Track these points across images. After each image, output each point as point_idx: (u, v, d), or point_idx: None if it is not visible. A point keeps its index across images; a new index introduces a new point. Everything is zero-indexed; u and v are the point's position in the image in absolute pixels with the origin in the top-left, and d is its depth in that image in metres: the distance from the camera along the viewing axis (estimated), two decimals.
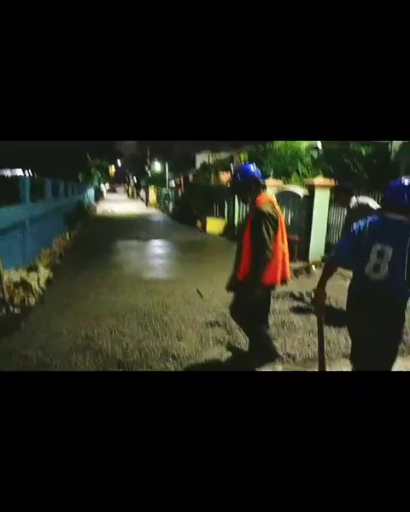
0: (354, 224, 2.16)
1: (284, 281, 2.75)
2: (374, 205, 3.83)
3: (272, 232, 2.54)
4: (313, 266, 6.35)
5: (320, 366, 2.63)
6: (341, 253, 2.17)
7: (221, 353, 3.14)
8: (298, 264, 6.30)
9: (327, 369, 2.80)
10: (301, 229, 7.04)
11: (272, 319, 3.65)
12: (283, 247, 2.70)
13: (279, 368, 2.94)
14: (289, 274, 2.78)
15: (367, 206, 3.81)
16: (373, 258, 1.95)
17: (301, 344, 3.32)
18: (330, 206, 6.79)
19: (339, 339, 3.40)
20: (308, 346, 3.29)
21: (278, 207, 2.69)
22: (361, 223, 2.10)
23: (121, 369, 2.86)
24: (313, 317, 3.91)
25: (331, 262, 2.26)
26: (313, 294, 2.38)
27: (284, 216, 3.01)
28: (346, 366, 2.90)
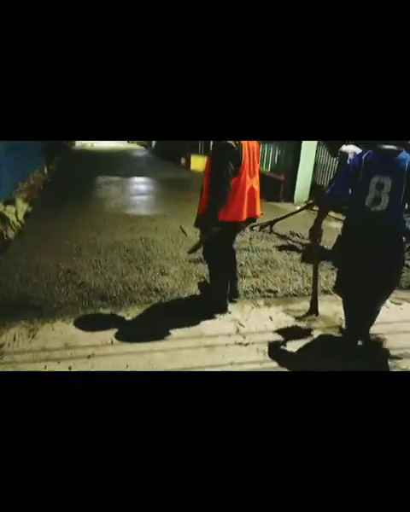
0: (348, 160, 2.17)
1: (252, 219, 2.62)
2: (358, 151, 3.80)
3: (231, 166, 2.32)
4: (297, 207, 6.32)
5: (313, 302, 2.75)
6: (337, 190, 2.19)
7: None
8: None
9: (308, 303, 2.89)
10: (288, 168, 6.88)
11: (243, 258, 3.71)
12: (251, 182, 2.50)
13: (261, 302, 3.01)
14: (258, 211, 2.62)
15: (353, 153, 3.77)
16: (373, 190, 2.00)
17: (282, 280, 3.38)
18: (318, 144, 6.58)
19: (319, 274, 3.47)
20: (290, 282, 3.35)
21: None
22: (355, 159, 2.12)
23: (105, 302, 2.88)
24: (296, 255, 3.97)
25: (328, 200, 2.30)
26: (308, 233, 2.48)
27: (260, 149, 2.85)
28: (327, 301, 3.00)
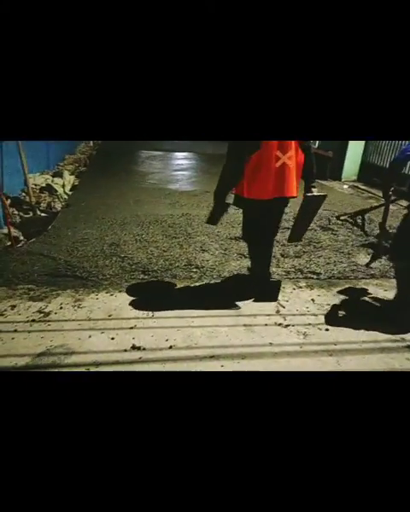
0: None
1: (284, 198, 2.41)
2: None
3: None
4: (345, 185, 6.06)
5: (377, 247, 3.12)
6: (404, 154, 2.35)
7: (245, 265, 3.14)
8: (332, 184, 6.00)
9: (352, 286, 2.80)
10: (337, 144, 6.55)
11: (285, 237, 3.58)
12: (283, 157, 2.30)
13: (302, 284, 2.95)
14: (292, 191, 2.39)
15: None
16: None
17: (327, 262, 3.28)
18: None
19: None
20: (334, 264, 3.25)
21: None
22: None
23: (147, 276, 2.93)
24: (341, 237, 3.83)
25: (399, 160, 2.46)
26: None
27: None
28: (372, 285, 2.89)
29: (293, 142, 2.34)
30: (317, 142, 7.24)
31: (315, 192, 2.54)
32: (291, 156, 2.35)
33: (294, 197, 2.47)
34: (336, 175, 6.41)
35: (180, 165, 7.57)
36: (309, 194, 2.51)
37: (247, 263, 3.15)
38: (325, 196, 2.59)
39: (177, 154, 8.77)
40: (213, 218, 2.50)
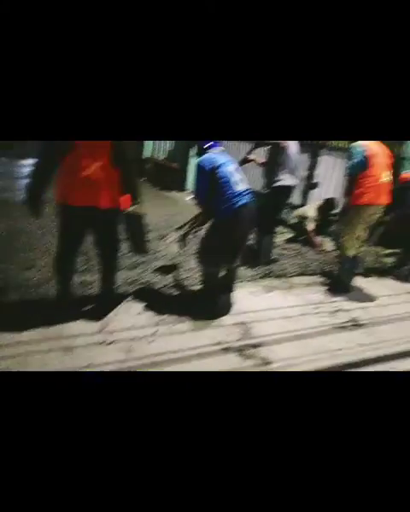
0: (200, 166, 2.55)
1: (93, 207, 2.27)
2: None
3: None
4: (188, 197, 6.31)
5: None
6: (204, 194, 2.59)
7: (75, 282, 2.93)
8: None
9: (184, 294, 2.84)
10: (181, 155, 6.77)
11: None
12: (91, 166, 2.20)
13: (132, 295, 2.89)
14: (100, 201, 2.28)
15: None
16: (235, 175, 2.57)
17: (162, 272, 3.30)
18: None
19: None
20: (167, 274, 3.29)
21: None
22: (205, 162, 2.54)
23: None
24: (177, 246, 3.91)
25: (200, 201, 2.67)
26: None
27: None
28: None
29: (107, 151, 2.25)
30: (163, 152, 7.40)
31: (132, 210, 2.47)
32: (104, 166, 2.26)
33: (113, 209, 2.37)
34: (180, 186, 6.60)
35: (21, 173, 6.88)
36: (126, 212, 2.46)
37: (77, 279, 2.93)
38: (141, 216, 2.52)
39: (25, 161, 7.91)
40: (31, 213, 2.46)
